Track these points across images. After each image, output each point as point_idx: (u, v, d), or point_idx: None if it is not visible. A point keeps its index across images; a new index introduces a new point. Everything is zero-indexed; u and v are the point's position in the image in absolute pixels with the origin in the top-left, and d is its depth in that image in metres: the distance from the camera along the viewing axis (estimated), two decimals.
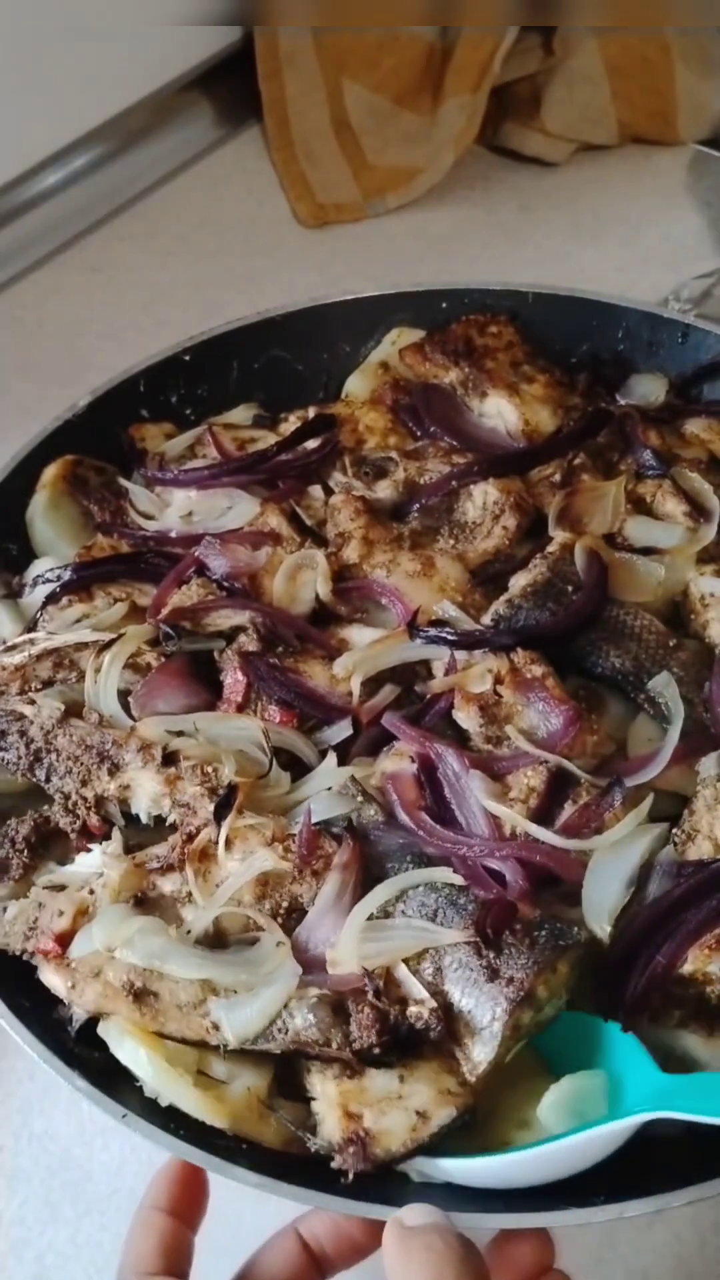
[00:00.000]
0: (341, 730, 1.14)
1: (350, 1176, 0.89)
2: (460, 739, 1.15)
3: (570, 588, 1.23)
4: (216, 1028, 0.96)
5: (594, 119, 2.10)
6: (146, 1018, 0.98)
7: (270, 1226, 0.93)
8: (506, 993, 0.93)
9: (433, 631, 1.20)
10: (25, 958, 1.04)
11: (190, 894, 1.04)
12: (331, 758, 1.11)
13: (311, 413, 1.49)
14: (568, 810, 1.08)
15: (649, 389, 1.52)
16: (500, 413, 1.46)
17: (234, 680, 1.18)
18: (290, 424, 1.49)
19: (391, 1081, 0.93)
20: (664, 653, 1.19)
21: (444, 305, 1.58)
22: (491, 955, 0.95)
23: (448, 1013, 0.95)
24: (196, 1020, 0.97)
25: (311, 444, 1.43)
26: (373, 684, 1.18)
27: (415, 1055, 0.94)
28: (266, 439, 1.47)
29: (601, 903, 1.03)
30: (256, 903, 1.03)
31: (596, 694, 1.19)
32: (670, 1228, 1.05)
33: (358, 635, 1.25)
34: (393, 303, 1.59)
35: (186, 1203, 0.93)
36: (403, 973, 0.97)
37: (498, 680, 1.15)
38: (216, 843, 1.04)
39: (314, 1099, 0.95)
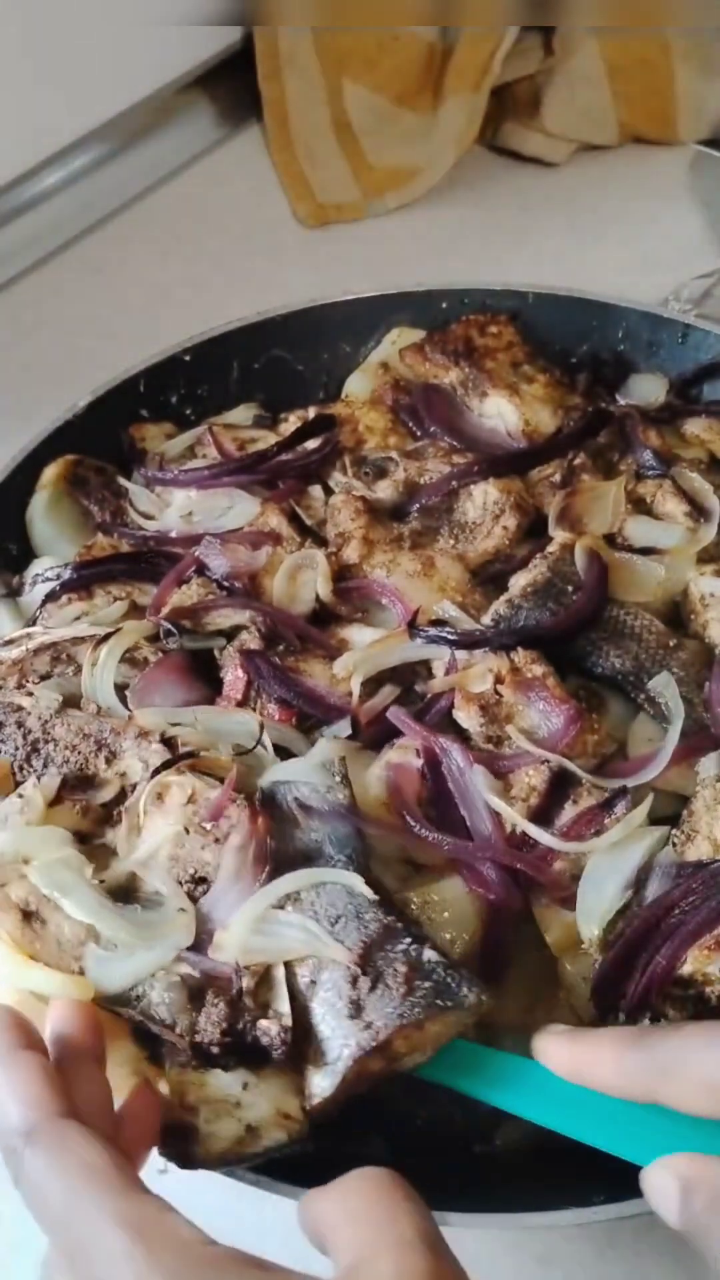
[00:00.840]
0: (341, 730, 1.14)
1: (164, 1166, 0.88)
2: (461, 739, 1.15)
3: (570, 588, 1.23)
4: (82, 974, 0.96)
5: (594, 119, 2.10)
6: (26, 938, 0.97)
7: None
8: (360, 1037, 0.89)
9: (433, 631, 1.20)
10: None
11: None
12: (322, 742, 1.11)
13: (311, 413, 1.49)
14: (568, 810, 1.08)
15: (649, 389, 1.52)
16: (500, 413, 1.46)
17: (234, 677, 1.18)
18: (290, 424, 1.49)
19: (234, 1085, 0.90)
20: (664, 653, 1.19)
21: (444, 305, 1.58)
22: (364, 989, 0.90)
23: (306, 1031, 0.91)
24: (69, 960, 0.97)
25: (311, 444, 1.43)
26: (372, 684, 1.18)
27: (268, 1064, 0.91)
28: (266, 439, 1.47)
29: (594, 906, 1.03)
30: (171, 864, 1.02)
31: (596, 694, 1.19)
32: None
33: (358, 635, 1.25)
34: (393, 303, 1.59)
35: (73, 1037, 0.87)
36: (278, 977, 0.94)
37: (498, 680, 1.15)
38: (145, 793, 1.05)
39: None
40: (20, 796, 1.07)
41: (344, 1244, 0.73)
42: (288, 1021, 0.91)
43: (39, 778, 1.10)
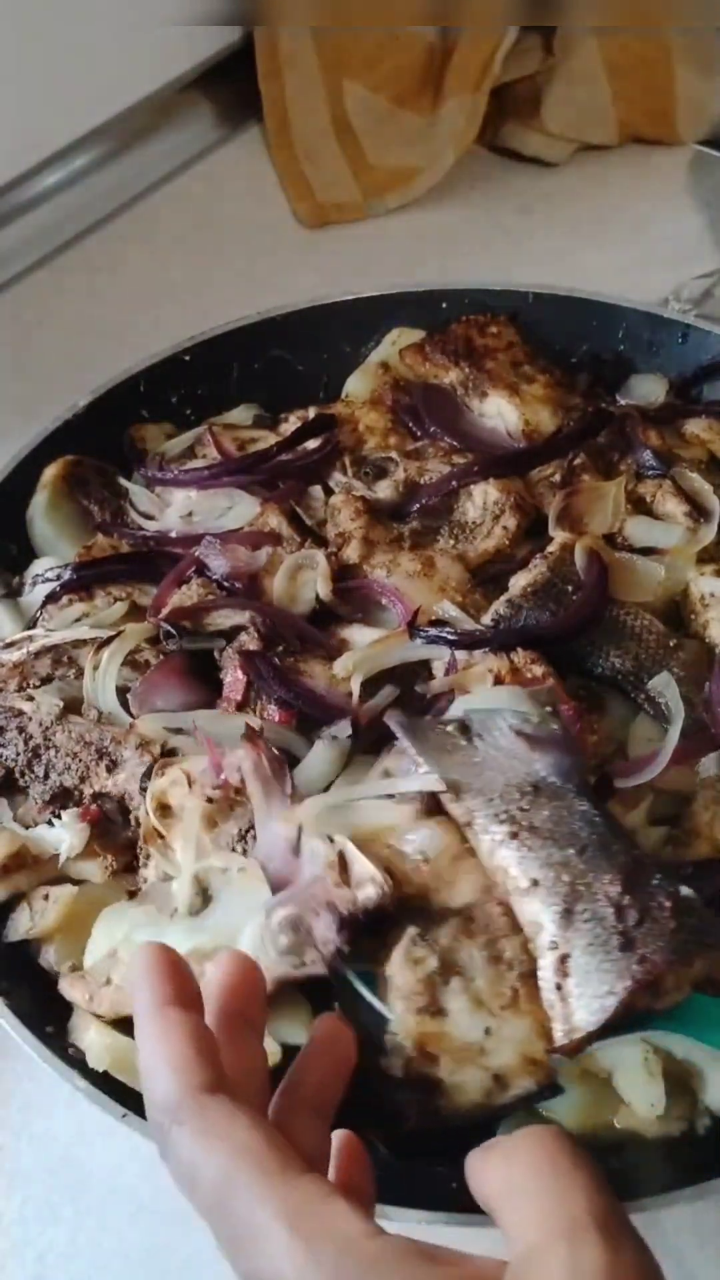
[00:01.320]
0: (341, 731, 1.14)
1: (409, 1122, 0.84)
2: None
3: (570, 588, 1.23)
4: None
5: (594, 119, 2.10)
6: None
7: None
8: (635, 971, 0.85)
9: (433, 631, 1.20)
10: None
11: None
12: (320, 744, 1.11)
13: (311, 413, 1.49)
14: None
15: (649, 389, 1.52)
16: (500, 413, 1.46)
17: (234, 679, 1.18)
18: (290, 424, 1.49)
19: (475, 1030, 0.86)
20: (664, 653, 1.19)
21: (444, 305, 1.58)
22: (631, 921, 0.87)
23: (564, 960, 0.87)
24: None
25: (311, 444, 1.43)
26: (372, 684, 1.18)
27: (510, 1005, 0.87)
28: (267, 439, 1.47)
29: None
30: (217, 849, 1.02)
31: (596, 694, 1.19)
32: (670, 1227, 1.05)
33: (358, 635, 1.25)
34: (393, 303, 1.59)
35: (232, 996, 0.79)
36: (352, 852, 0.92)
37: (498, 680, 1.15)
38: (148, 813, 1.06)
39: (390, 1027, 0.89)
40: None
41: (513, 1227, 0.68)
42: (378, 875, 0.90)
43: (53, 812, 1.11)
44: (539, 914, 0.90)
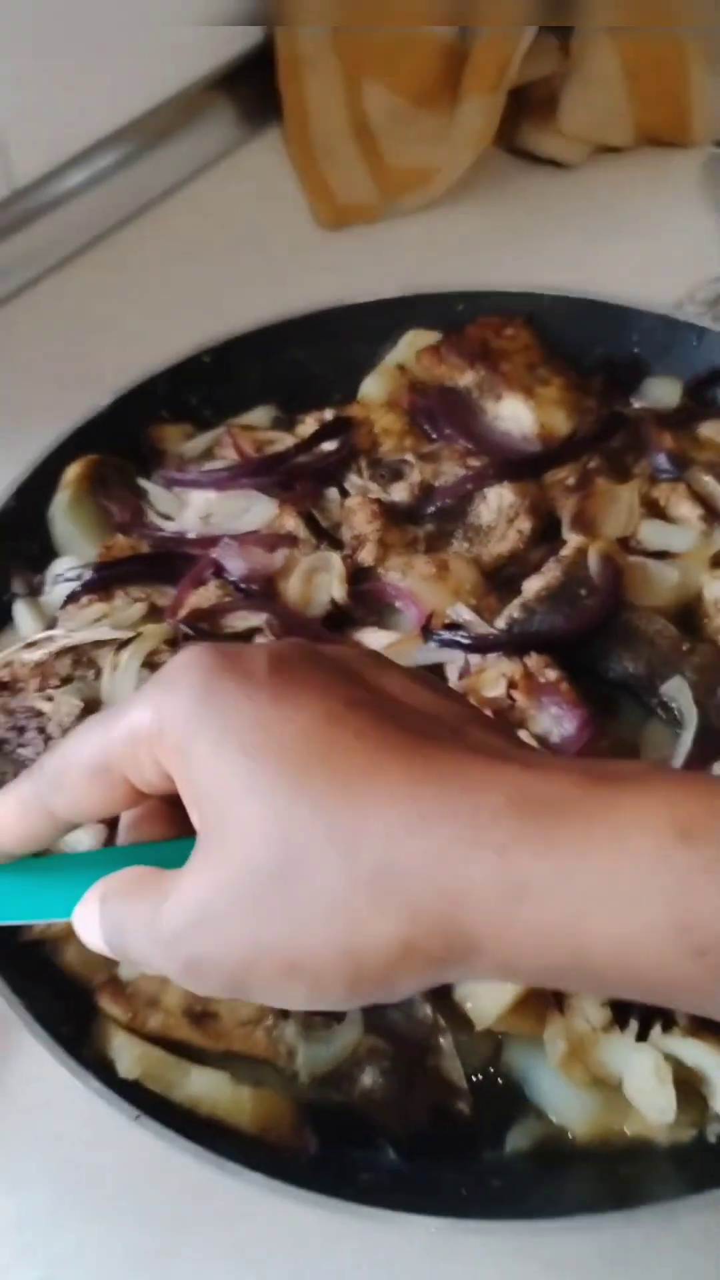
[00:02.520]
0: None
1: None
2: None
3: (584, 591, 1.23)
4: (291, 1055, 0.96)
5: (610, 121, 2.09)
6: (211, 1039, 0.97)
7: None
8: None
9: (447, 635, 1.20)
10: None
11: None
12: None
13: (329, 415, 1.49)
14: None
15: (664, 392, 1.52)
16: (516, 415, 1.46)
17: None
18: (307, 426, 1.50)
19: None
20: (677, 657, 1.19)
21: (461, 308, 1.58)
22: None
23: None
24: (260, 1037, 0.96)
25: (328, 446, 1.44)
26: None
27: None
28: (285, 440, 1.47)
29: None
30: None
31: (609, 698, 1.20)
32: (680, 1235, 1.05)
33: (372, 638, 1.25)
34: (410, 305, 1.59)
35: None
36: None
37: (511, 684, 1.15)
38: None
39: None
40: None
41: None
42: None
43: None
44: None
